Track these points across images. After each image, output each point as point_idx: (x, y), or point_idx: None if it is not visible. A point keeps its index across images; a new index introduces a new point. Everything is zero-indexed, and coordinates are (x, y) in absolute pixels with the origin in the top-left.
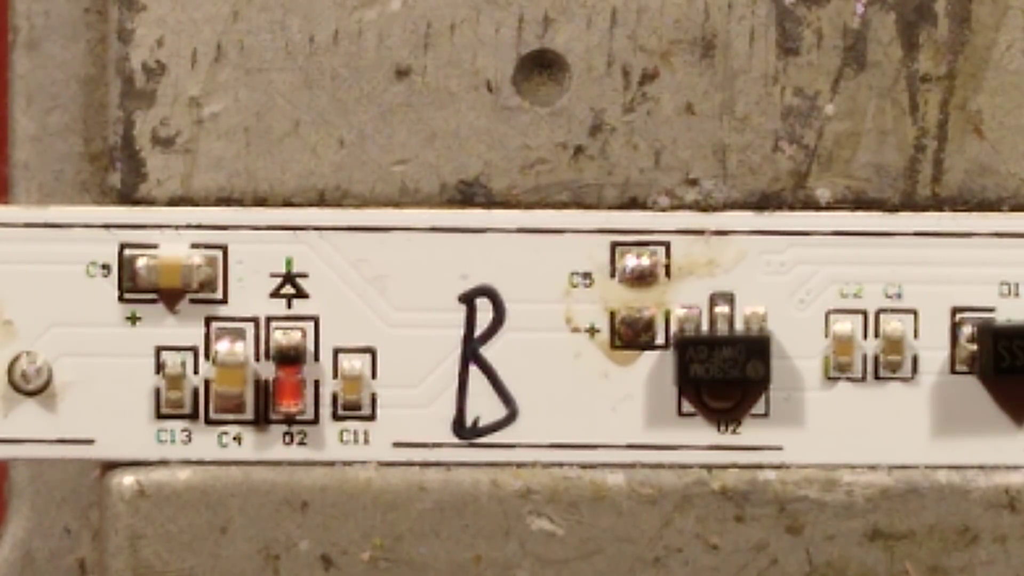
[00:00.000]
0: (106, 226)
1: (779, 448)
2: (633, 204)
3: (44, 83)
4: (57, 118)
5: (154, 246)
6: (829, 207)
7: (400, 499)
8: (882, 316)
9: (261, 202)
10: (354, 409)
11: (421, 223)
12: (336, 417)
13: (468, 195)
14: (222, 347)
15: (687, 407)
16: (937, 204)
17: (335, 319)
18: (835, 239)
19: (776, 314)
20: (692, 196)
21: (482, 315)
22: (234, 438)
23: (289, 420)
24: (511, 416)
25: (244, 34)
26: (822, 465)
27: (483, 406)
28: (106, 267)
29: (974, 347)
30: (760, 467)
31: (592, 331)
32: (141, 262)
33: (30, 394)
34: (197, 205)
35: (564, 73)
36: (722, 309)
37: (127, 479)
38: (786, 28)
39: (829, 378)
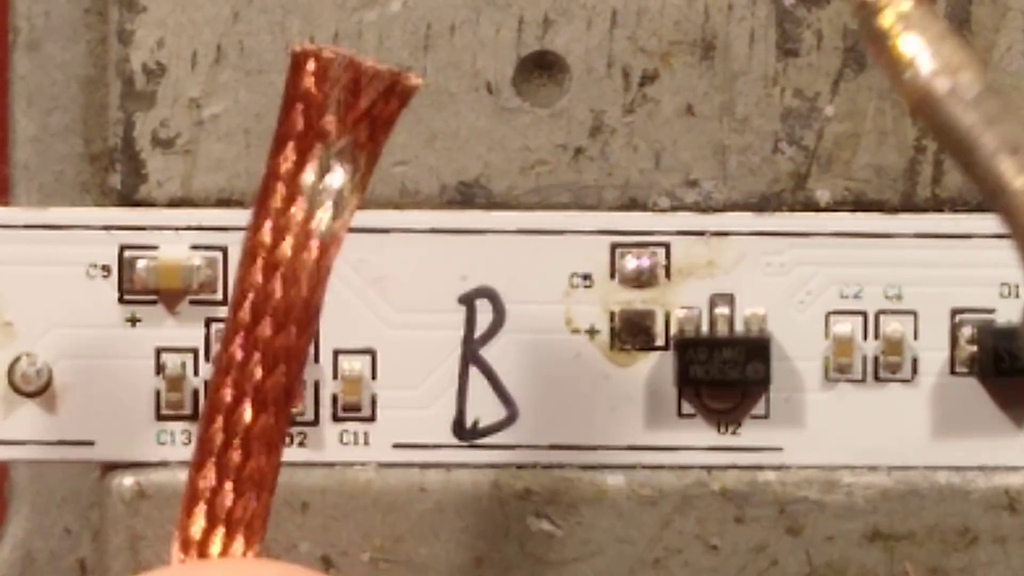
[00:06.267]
0: (106, 228)
1: (779, 449)
2: (633, 205)
3: (44, 84)
4: (57, 119)
5: (154, 247)
6: (829, 208)
7: (400, 500)
8: (882, 317)
9: None
10: (354, 410)
11: (421, 224)
12: (336, 418)
13: (468, 196)
14: None
15: (687, 408)
16: (937, 205)
17: (335, 320)
18: (835, 240)
19: (776, 315)
20: (692, 197)
21: (482, 316)
22: None
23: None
24: (511, 417)
25: (244, 35)
26: (822, 466)
27: (483, 407)
28: (106, 268)
29: (974, 348)
30: (760, 468)
31: (592, 332)
32: (141, 264)
33: (30, 395)
34: (197, 207)
35: (564, 74)
36: (722, 310)
37: (127, 480)
38: (786, 29)
39: (829, 379)
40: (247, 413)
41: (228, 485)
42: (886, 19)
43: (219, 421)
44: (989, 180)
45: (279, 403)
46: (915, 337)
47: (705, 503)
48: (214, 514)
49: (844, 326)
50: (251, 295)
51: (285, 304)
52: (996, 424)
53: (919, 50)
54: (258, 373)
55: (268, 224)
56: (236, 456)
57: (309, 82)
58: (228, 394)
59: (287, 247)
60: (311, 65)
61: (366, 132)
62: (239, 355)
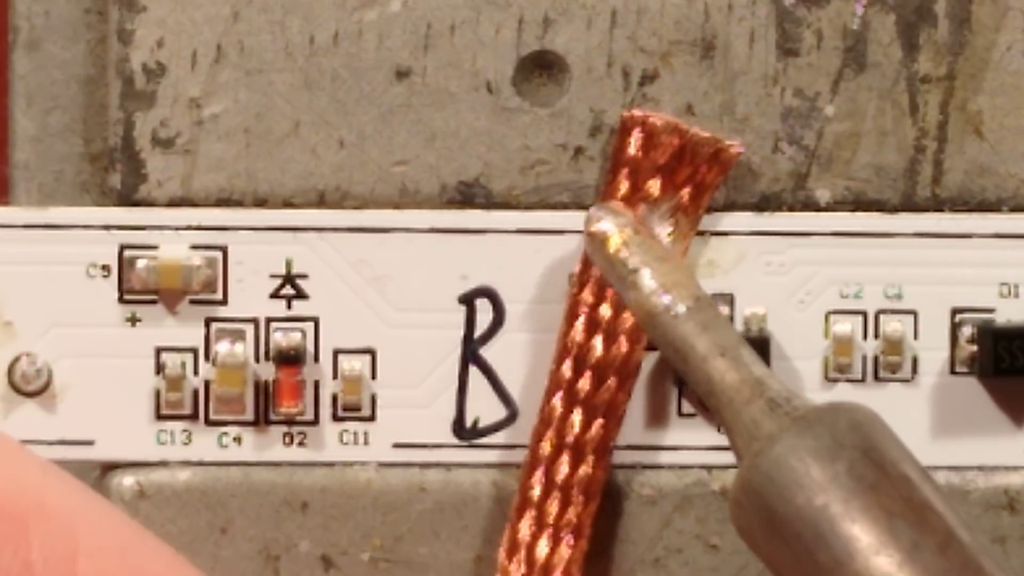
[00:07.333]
0: (106, 227)
1: None
2: None
3: (44, 84)
4: (57, 119)
5: (154, 247)
6: (829, 208)
7: (400, 500)
8: (882, 317)
9: (261, 203)
10: (354, 410)
11: (421, 224)
12: (336, 418)
13: (468, 196)
14: (222, 348)
15: (687, 407)
16: (937, 205)
17: (335, 320)
18: (835, 240)
19: (776, 315)
20: None
21: (482, 316)
22: (234, 439)
23: (289, 421)
24: (511, 417)
25: (244, 35)
26: None
27: (483, 407)
28: (106, 268)
29: (974, 348)
30: None
31: None
32: (141, 263)
33: (30, 395)
34: (197, 206)
35: (564, 74)
36: (722, 309)
37: (127, 480)
38: (786, 29)
39: (829, 379)
40: (565, 465)
41: (547, 532)
42: (612, 246)
43: (538, 473)
44: (703, 381)
45: (597, 454)
46: (915, 337)
47: (705, 503)
48: (532, 561)
49: (844, 326)
50: (573, 351)
51: (605, 360)
52: (995, 424)
53: (640, 272)
54: (577, 426)
55: (591, 284)
56: (554, 506)
57: (636, 147)
58: (548, 447)
59: (608, 306)
60: (638, 131)
61: (688, 196)
62: (559, 409)
